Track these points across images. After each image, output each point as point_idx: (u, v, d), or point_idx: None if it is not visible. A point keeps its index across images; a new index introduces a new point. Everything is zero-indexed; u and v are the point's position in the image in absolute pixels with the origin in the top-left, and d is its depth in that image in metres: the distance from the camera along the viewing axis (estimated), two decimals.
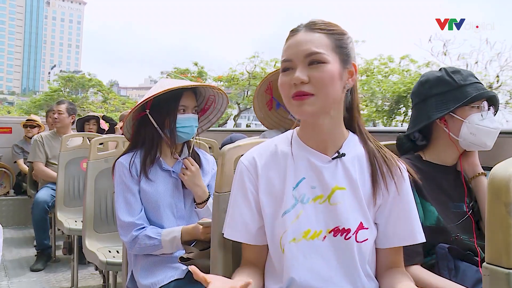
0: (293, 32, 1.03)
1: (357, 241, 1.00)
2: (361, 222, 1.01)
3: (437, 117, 1.37)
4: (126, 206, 1.62)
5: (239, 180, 1.08)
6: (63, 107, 3.87)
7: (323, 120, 1.02)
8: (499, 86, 12.42)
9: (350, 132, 1.09)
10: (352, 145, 1.07)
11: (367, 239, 1.01)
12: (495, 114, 1.41)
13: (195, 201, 1.71)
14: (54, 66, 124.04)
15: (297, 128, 1.11)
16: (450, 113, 1.37)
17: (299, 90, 0.97)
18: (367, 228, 1.02)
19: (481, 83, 1.39)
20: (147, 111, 1.65)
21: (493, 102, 1.41)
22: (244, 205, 1.06)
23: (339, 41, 1.00)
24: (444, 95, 1.38)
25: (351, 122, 1.09)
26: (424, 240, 1.05)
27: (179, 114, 1.64)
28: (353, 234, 1.00)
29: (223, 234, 1.11)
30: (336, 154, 1.04)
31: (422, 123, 1.40)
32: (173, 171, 1.70)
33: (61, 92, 23.71)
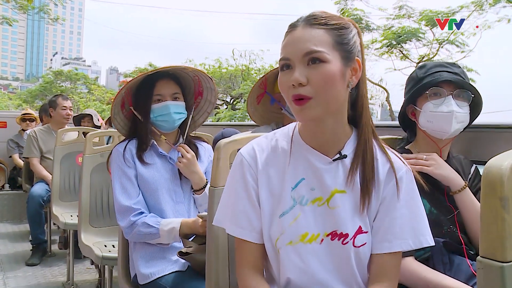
0: (292, 27, 0.97)
1: (355, 246, 0.98)
2: (360, 226, 0.99)
3: (401, 112, 1.49)
4: (122, 191, 1.62)
5: (240, 173, 1.03)
6: (71, 103, 3.94)
7: (325, 121, 0.97)
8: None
9: (354, 129, 1.04)
10: (356, 144, 1.02)
11: (365, 243, 0.99)
12: (474, 97, 1.38)
13: (192, 188, 1.71)
14: (56, 53, 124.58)
15: (299, 123, 1.06)
16: (413, 106, 1.43)
17: (297, 93, 0.92)
18: (366, 232, 0.99)
19: (448, 71, 1.38)
20: (131, 107, 1.69)
21: (460, 86, 1.38)
22: (247, 201, 1.02)
23: (339, 36, 0.94)
24: (410, 91, 1.44)
25: (355, 119, 1.03)
26: (433, 244, 1.02)
27: (154, 104, 1.65)
28: (350, 239, 0.98)
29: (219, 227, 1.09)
30: (337, 156, 1.01)
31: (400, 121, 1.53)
32: (170, 157, 1.71)
33: (53, 84, 25.47)
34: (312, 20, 0.95)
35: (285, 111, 1.77)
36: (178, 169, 1.69)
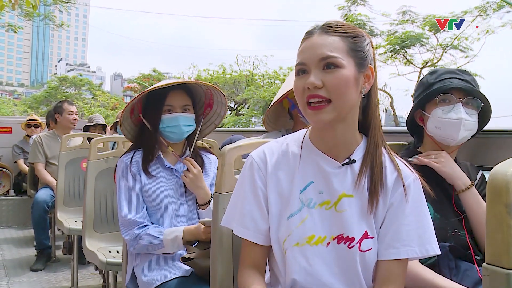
0: (308, 34, 1.00)
1: (361, 250, 0.98)
2: (366, 231, 0.99)
3: (409, 117, 1.49)
4: (127, 204, 1.62)
5: (249, 175, 1.05)
6: (76, 109, 3.97)
7: (336, 126, 0.99)
8: None
9: (364, 136, 1.05)
10: (365, 151, 1.03)
11: (371, 248, 0.99)
12: (483, 104, 1.38)
13: (197, 202, 1.71)
14: (61, 59, 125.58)
15: (310, 128, 1.08)
16: (422, 111, 1.43)
17: (314, 94, 0.94)
18: (372, 238, 1.00)
19: (459, 78, 1.39)
20: (140, 115, 1.69)
21: (470, 94, 1.38)
22: (254, 202, 1.04)
23: (354, 44, 0.97)
24: (419, 96, 1.44)
25: (365, 126, 1.04)
26: (439, 253, 1.01)
27: (164, 114, 1.65)
28: (356, 243, 0.99)
29: (223, 230, 1.10)
30: (347, 160, 1.02)
31: (407, 126, 1.53)
32: (175, 169, 1.70)
33: (58, 90, 25.88)
34: (328, 28, 0.98)
35: (303, 119, 1.76)
36: (184, 183, 1.69)
